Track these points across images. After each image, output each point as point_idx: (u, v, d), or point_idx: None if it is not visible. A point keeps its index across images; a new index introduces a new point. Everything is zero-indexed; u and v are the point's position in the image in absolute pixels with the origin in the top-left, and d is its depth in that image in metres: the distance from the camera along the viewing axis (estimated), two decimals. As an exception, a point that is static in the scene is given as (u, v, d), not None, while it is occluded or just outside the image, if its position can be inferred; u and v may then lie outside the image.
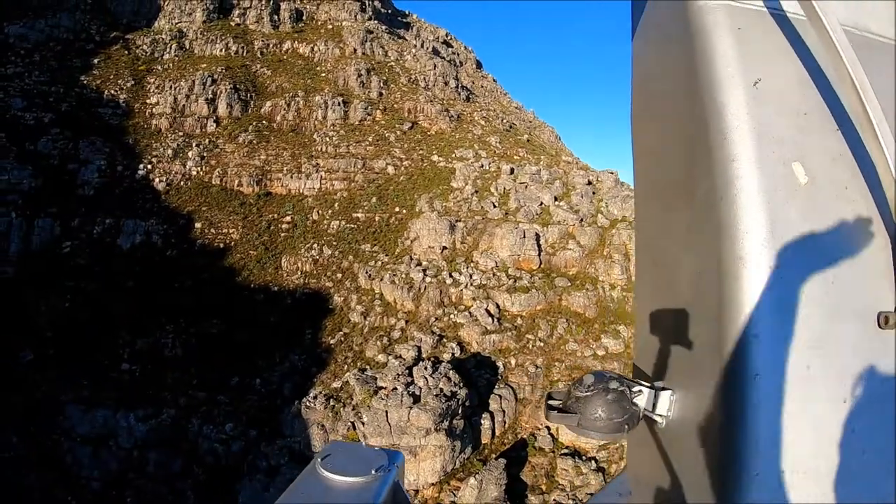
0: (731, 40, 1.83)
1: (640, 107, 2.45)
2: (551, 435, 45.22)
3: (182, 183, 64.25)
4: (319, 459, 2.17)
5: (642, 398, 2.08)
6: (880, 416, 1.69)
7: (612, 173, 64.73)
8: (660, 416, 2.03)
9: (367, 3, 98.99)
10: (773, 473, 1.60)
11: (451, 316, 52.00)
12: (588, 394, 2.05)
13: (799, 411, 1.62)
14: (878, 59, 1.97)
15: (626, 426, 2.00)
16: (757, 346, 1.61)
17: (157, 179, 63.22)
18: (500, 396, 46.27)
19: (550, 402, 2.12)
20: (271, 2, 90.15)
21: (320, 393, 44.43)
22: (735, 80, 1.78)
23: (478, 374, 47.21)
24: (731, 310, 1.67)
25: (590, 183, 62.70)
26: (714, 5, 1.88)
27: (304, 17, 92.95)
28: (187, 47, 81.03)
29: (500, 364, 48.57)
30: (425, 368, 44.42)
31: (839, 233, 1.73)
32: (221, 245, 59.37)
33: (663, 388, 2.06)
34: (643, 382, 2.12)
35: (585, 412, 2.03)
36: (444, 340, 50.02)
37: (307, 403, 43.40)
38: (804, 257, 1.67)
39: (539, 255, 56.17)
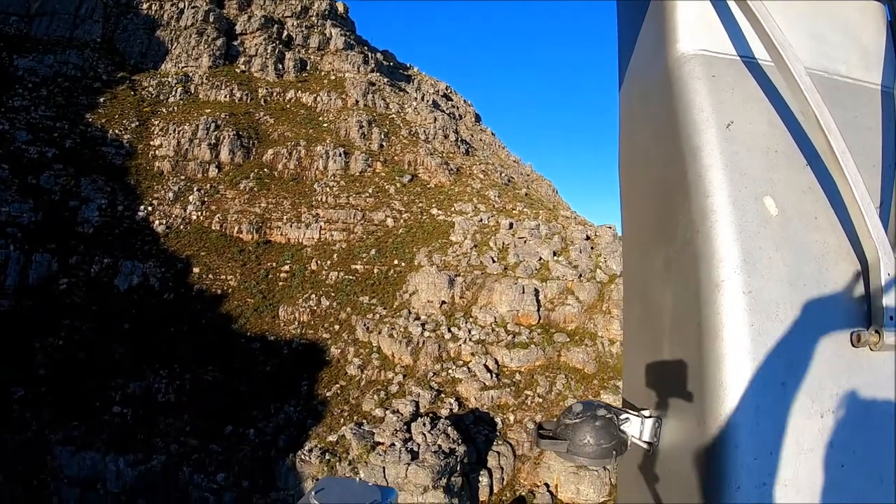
0: (706, 87, 1.98)
1: (627, 156, 2.57)
2: (550, 492, 44.33)
3: (181, 227, 63.83)
4: (314, 493, 2.40)
5: (630, 426, 2.13)
6: (857, 430, 1.75)
7: (610, 228, 64.44)
8: (647, 442, 2.09)
9: (369, 55, 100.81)
10: (754, 486, 1.64)
11: (450, 371, 51.37)
12: (577, 421, 2.11)
13: (776, 426, 1.68)
14: (843, 98, 2.12)
15: (615, 452, 2.05)
16: (733, 364, 1.68)
17: (156, 222, 62.78)
18: (498, 453, 45.44)
19: (541, 430, 2.19)
20: (276, 51, 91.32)
21: (316, 446, 43.37)
22: (709, 124, 1.92)
23: (476, 431, 46.43)
24: (708, 333, 1.75)
25: (588, 238, 62.80)
26: (690, 55, 2.03)
27: (308, 67, 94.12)
28: (192, 91, 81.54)
29: (498, 420, 47.81)
30: (424, 424, 43.69)
31: (810, 259, 1.84)
32: (219, 291, 58.68)
33: (649, 416, 2.13)
34: (630, 411, 2.18)
35: (574, 439, 2.08)
36: (443, 396, 49.22)
37: (302, 457, 42.37)
38: (776, 282, 1.76)
39: (538, 310, 55.87)
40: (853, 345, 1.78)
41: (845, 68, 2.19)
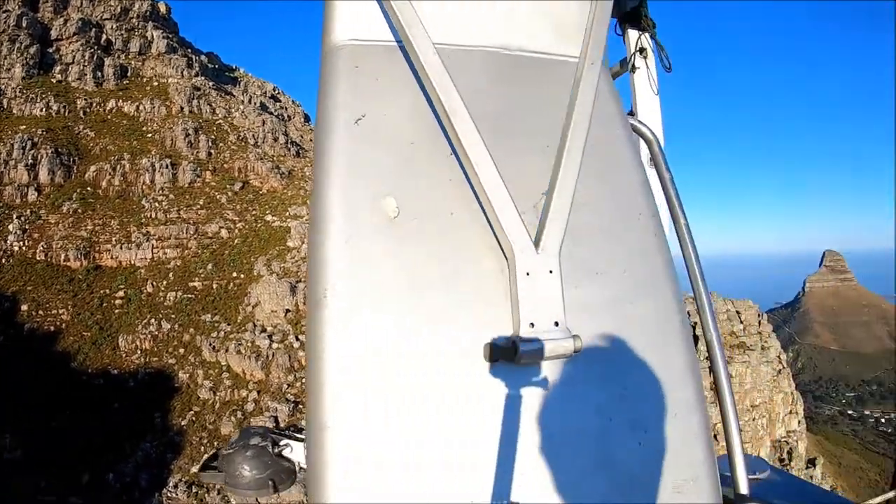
0: (346, 82, 1.86)
1: None
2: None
3: (3, 260, 59.33)
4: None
5: (293, 452, 2.13)
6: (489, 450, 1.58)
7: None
8: None
9: (193, 58, 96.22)
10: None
11: (304, 380, 51.65)
12: (230, 451, 2.12)
13: (375, 464, 1.48)
14: (528, 75, 2.08)
15: (272, 481, 2.02)
16: (331, 392, 1.50)
17: (-26, 258, 58.50)
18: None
19: (208, 461, 2.20)
20: (94, 57, 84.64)
21: (180, 480, 43.11)
22: (338, 121, 1.79)
23: (343, 438, 47.50)
24: (315, 350, 1.56)
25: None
26: (339, 46, 1.92)
27: (130, 74, 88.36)
28: (5, 106, 74.28)
29: (363, 424, 49.03)
30: (287, 440, 44.54)
31: (439, 262, 1.69)
32: (52, 328, 55.50)
33: (304, 439, 2.02)
34: (298, 436, 2.18)
35: (230, 469, 2.08)
36: (301, 407, 49.49)
37: (168, 494, 41.88)
38: (387, 293, 1.61)
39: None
40: (486, 360, 1.60)
41: (532, 42, 2.12)
